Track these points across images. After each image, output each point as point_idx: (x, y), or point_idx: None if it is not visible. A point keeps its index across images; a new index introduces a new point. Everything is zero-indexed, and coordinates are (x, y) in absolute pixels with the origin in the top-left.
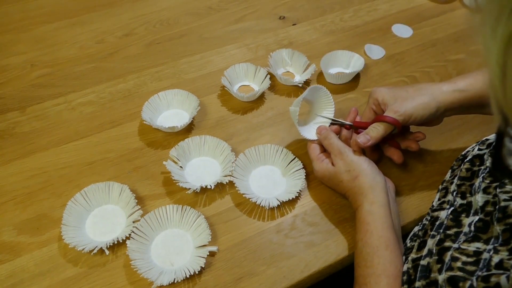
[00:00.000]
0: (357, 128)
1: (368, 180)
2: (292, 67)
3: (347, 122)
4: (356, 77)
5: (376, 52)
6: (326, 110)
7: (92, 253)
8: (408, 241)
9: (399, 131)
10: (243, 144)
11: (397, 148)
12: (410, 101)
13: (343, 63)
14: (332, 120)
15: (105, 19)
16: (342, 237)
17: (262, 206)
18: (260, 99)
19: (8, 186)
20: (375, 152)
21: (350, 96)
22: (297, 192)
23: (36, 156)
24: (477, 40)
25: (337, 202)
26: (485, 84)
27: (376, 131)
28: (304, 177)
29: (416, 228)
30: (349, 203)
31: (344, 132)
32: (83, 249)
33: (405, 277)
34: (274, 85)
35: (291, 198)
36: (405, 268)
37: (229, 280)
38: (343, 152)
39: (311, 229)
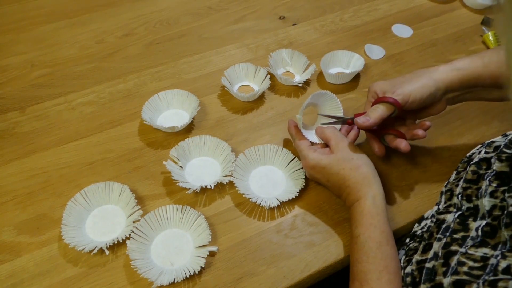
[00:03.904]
0: None
1: (371, 170)
2: (292, 67)
3: (349, 117)
4: (356, 77)
5: (376, 52)
6: (335, 114)
7: (92, 253)
8: (408, 240)
9: (399, 112)
10: (243, 144)
11: (402, 138)
12: (407, 83)
13: (343, 63)
14: (333, 117)
15: (105, 19)
16: (342, 237)
17: (262, 206)
18: (260, 99)
19: (8, 186)
20: (382, 146)
21: (350, 96)
22: (297, 192)
23: (36, 156)
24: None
25: (337, 202)
26: (483, 63)
27: (375, 111)
28: (304, 177)
29: (416, 228)
30: None
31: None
32: (83, 249)
33: (409, 279)
34: (274, 85)
35: (291, 198)
36: (409, 269)
37: (229, 280)
38: (346, 140)
39: (311, 229)
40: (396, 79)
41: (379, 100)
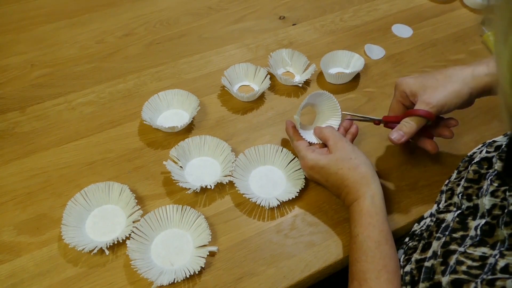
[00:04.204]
0: (387, 123)
1: (369, 170)
2: (292, 67)
3: (377, 118)
4: (356, 77)
5: (376, 52)
6: (333, 113)
7: (92, 253)
8: (407, 239)
9: (433, 122)
10: (243, 144)
11: (430, 138)
12: (441, 90)
13: (343, 63)
14: (361, 116)
15: (105, 19)
16: (342, 237)
17: (262, 206)
18: (260, 99)
19: (8, 186)
20: (408, 145)
21: (350, 96)
22: (297, 192)
23: (36, 156)
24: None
25: (337, 202)
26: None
27: (409, 126)
28: (304, 177)
29: (415, 227)
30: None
31: (344, 124)
32: (83, 249)
33: (408, 278)
34: (274, 85)
35: (291, 198)
36: (408, 268)
37: (229, 280)
38: (344, 140)
39: (311, 229)
40: (426, 78)
41: (411, 113)
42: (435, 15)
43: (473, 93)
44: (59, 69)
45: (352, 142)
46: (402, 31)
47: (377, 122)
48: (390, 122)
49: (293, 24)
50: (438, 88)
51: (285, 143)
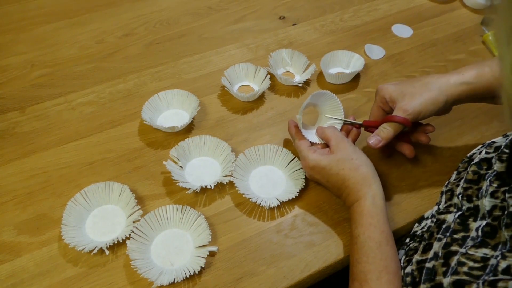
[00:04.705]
0: (367, 127)
1: (370, 171)
2: (292, 67)
3: (357, 122)
4: (356, 77)
5: (376, 52)
6: (335, 114)
7: (92, 253)
8: (408, 240)
9: (410, 128)
10: (243, 144)
11: (408, 142)
12: (418, 97)
13: (343, 63)
14: (342, 120)
15: (105, 19)
16: (342, 237)
17: (262, 206)
18: (260, 99)
19: (8, 186)
20: (387, 149)
21: (350, 96)
22: (297, 192)
23: (36, 156)
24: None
25: (337, 202)
26: (492, 76)
27: (386, 131)
28: (304, 177)
29: (416, 228)
30: None
31: (354, 132)
32: (83, 249)
33: (409, 279)
34: (274, 85)
35: (291, 198)
36: (409, 269)
37: (229, 280)
38: (346, 141)
39: (311, 229)
40: (405, 85)
41: (389, 119)
42: (435, 15)
43: (449, 100)
44: (59, 69)
45: (354, 143)
46: (402, 31)
47: (357, 126)
48: (369, 127)
49: (293, 24)
50: (415, 96)
51: (285, 143)
